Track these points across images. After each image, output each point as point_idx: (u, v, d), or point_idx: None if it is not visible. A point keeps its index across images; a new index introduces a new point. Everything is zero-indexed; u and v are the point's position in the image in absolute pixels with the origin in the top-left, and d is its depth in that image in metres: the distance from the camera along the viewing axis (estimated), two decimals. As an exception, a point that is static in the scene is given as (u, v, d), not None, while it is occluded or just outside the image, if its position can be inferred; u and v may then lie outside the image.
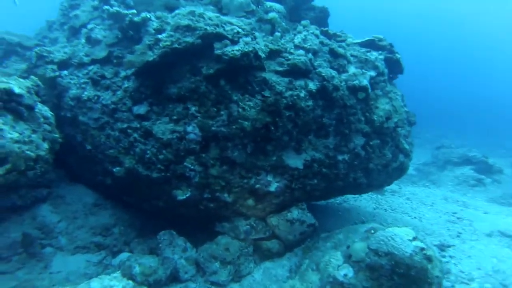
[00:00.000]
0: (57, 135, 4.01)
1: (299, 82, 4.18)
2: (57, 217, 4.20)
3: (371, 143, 4.77)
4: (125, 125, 4.26)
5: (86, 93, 4.27)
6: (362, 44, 5.21)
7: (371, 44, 5.18)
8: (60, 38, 5.13)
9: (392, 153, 4.99)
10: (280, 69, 4.17)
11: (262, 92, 4.04)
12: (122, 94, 4.26)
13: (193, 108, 4.06)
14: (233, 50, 3.78)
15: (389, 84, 5.14)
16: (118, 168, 4.35)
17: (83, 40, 4.62)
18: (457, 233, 6.15)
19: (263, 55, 4.02)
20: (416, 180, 10.49)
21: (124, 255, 4.38)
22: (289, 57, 4.23)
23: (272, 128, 4.13)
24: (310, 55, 4.30)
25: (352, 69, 4.70)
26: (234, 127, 4.00)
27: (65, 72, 4.46)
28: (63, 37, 5.11)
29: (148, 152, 4.19)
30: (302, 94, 4.13)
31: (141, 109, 4.21)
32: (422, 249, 3.02)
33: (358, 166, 4.80)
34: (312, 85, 4.22)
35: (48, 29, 5.68)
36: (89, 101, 4.27)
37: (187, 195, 4.31)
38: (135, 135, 4.24)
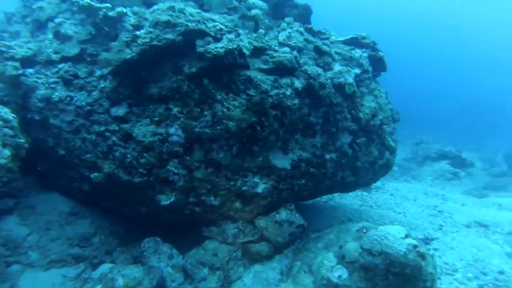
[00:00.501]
0: (22, 140, 3.68)
1: (285, 80, 4.09)
2: (26, 229, 3.87)
3: (357, 141, 4.76)
4: (102, 128, 4.00)
5: (56, 93, 3.96)
6: (345, 42, 5.20)
7: (354, 42, 5.18)
8: (23, 32, 4.73)
9: (379, 151, 5.01)
10: (265, 67, 4.06)
11: (247, 91, 3.91)
12: (98, 94, 3.99)
13: (176, 109, 3.87)
14: (216, 48, 3.62)
15: (373, 82, 5.15)
16: (96, 174, 4.08)
17: (50, 36, 4.28)
18: (439, 225, 6.31)
19: (247, 53, 3.89)
20: (398, 176, 10.74)
21: (105, 267, 4.12)
22: (274, 54, 4.12)
23: (258, 128, 4.01)
24: (295, 53, 4.22)
25: (337, 67, 4.66)
26: (218, 127, 3.84)
27: (30, 70, 4.09)
28: (26, 31, 4.71)
29: (129, 156, 3.96)
30: (288, 93, 4.04)
31: (119, 111, 3.97)
32: (415, 246, 3.01)
33: (345, 164, 4.77)
34: (298, 83, 4.13)
35: (6, 22, 5.20)
36: (60, 103, 3.96)
37: (171, 200, 4.11)
38: (114, 138, 3.99)
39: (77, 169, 4.25)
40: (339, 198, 8.28)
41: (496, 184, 9.37)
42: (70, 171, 4.37)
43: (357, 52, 4.89)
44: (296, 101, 4.12)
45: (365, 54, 4.93)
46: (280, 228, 4.68)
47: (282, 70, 4.09)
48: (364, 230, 3.46)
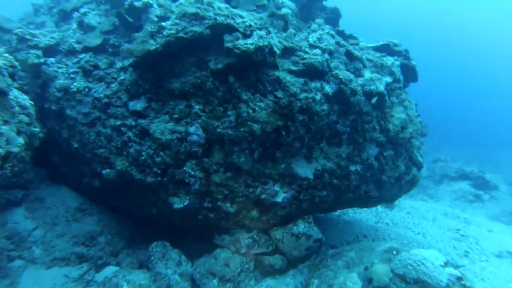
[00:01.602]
0: (37, 129, 3.50)
1: (315, 84, 3.83)
2: (33, 223, 3.66)
3: (384, 153, 4.45)
4: (118, 122, 3.80)
5: (75, 84, 3.79)
6: (376, 49, 4.93)
7: (385, 49, 4.91)
8: (48, 22, 4.63)
9: (405, 166, 4.68)
10: (295, 68, 3.81)
11: (275, 93, 3.66)
12: (117, 87, 3.80)
13: (197, 107, 3.64)
14: (246, 44, 3.40)
15: (404, 92, 4.86)
16: (108, 170, 3.87)
17: (74, 26, 4.14)
18: (465, 252, 5.88)
19: (278, 52, 3.65)
20: (414, 193, 10.26)
21: (110, 270, 3.86)
22: (305, 56, 3.88)
23: (284, 133, 3.75)
24: (326, 55, 3.97)
25: (367, 74, 4.39)
26: (242, 129, 3.60)
27: (52, 59, 3.95)
28: (51, 22, 4.60)
29: (144, 153, 3.73)
30: (317, 97, 3.78)
31: (138, 105, 3.76)
32: (459, 278, 2.67)
33: (370, 178, 4.46)
34: (328, 88, 3.87)
35: (34, 14, 5.14)
36: (78, 93, 3.78)
37: (185, 203, 3.85)
38: (130, 133, 3.78)
39: (89, 163, 4.04)
40: (353, 213, 7.91)
41: (524, 210, 8.84)
42: (82, 165, 4.17)
43: (389, 60, 4.61)
44: (325, 106, 3.86)
45: (397, 62, 4.66)
46: (297, 241, 4.37)
47: (312, 73, 3.83)
48: (395, 252, 3.14)
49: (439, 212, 8.34)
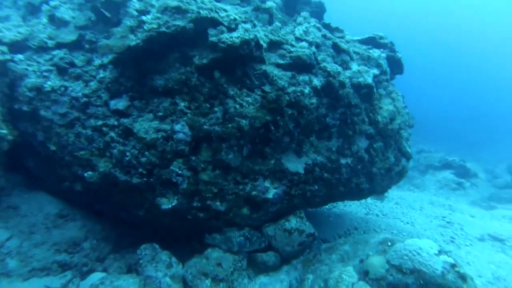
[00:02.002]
0: (5, 131, 3.27)
1: (303, 77, 3.76)
2: (6, 233, 3.43)
3: (374, 145, 4.46)
4: (99, 122, 3.61)
5: (49, 82, 3.56)
6: (362, 41, 4.92)
7: (371, 42, 4.90)
8: (13, 16, 4.31)
9: (395, 157, 4.71)
10: (282, 62, 3.73)
11: (262, 87, 3.57)
12: (97, 85, 3.60)
13: (182, 104, 3.51)
14: (231, 37, 3.28)
15: (390, 84, 4.87)
16: (90, 173, 3.68)
17: (44, 20, 3.88)
18: (451, 238, 6.03)
19: (264, 45, 3.55)
20: (401, 184, 10.47)
21: (96, 276, 3.69)
22: (291, 49, 3.80)
23: (272, 128, 3.67)
24: (313, 48, 3.90)
25: (355, 66, 4.36)
26: (230, 125, 3.49)
27: (20, 56, 3.68)
28: (17, 15, 4.30)
29: (128, 154, 3.57)
30: (306, 91, 3.71)
31: (119, 104, 3.59)
32: (453, 265, 2.68)
33: (361, 170, 4.46)
34: (316, 81, 3.81)
35: (-2, 8, 4.79)
36: (53, 93, 3.56)
37: (173, 204, 3.72)
38: (112, 134, 3.60)
39: (70, 167, 3.83)
40: (343, 206, 7.98)
41: (501, 196, 9.18)
42: (61, 169, 3.95)
43: (376, 52, 4.60)
44: (314, 100, 3.80)
45: (384, 55, 4.65)
46: (290, 237, 4.33)
47: (300, 66, 3.76)
48: (389, 243, 3.13)
49: (425, 201, 8.54)
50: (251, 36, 3.34)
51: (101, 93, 3.59)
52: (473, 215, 7.45)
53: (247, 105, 3.49)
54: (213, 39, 3.34)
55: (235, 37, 3.28)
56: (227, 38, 3.29)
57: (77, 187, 3.97)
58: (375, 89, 4.28)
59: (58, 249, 3.69)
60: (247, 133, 3.58)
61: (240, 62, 3.51)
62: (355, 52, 4.52)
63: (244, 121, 3.48)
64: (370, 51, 4.61)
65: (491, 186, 10.79)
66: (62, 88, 3.56)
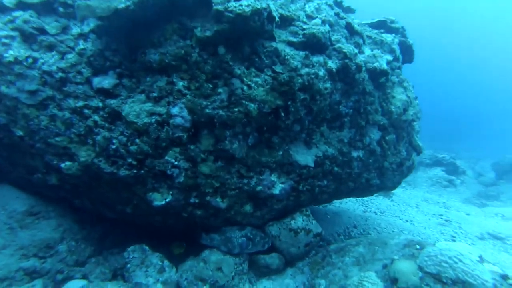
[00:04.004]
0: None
1: (317, 58, 3.35)
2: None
3: (387, 138, 4.12)
4: (80, 103, 3.04)
5: (11, 52, 2.92)
6: (371, 25, 4.57)
7: (382, 26, 4.56)
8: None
9: (406, 150, 4.40)
10: (294, 40, 3.29)
11: (273, 67, 3.13)
12: (76, 58, 3.02)
13: (181, 83, 3.00)
14: (241, 6, 2.80)
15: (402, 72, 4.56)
16: (68, 163, 3.11)
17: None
18: (451, 236, 5.86)
19: (277, 18, 3.10)
20: (392, 180, 10.38)
21: (74, 284, 3.13)
22: (304, 26, 3.37)
23: (283, 114, 3.24)
24: (327, 27, 3.49)
25: (367, 51, 4.00)
26: (236, 109, 3.02)
27: (-29, 17, 3.01)
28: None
29: (115, 141, 3.03)
30: (321, 73, 3.30)
31: (105, 82, 3.03)
32: (504, 276, 2.35)
33: (372, 164, 4.12)
34: (331, 63, 3.41)
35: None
36: (17, 64, 2.93)
37: (167, 200, 3.22)
38: (96, 117, 3.04)
39: (42, 156, 3.23)
40: (339, 203, 7.70)
41: (489, 193, 9.25)
42: (31, 158, 3.33)
43: (389, 37, 4.26)
44: (328, 84, 3.39)
45: (397, 40, 4.32)
46: (295, 237, 3.93)
47: (314, 45, 3.34)
48: (418, 246, 2.79)
49: (420, 199, 8.42)
50: (263, 6, 2.87)
51: (81, 68, 3.02)
52: (468, 212, 7.38)
53: (256, 87, 3.04)
54: (219, 7, 2.85)
55: (245, 5, 2.80)
56: (235, 7, 2.81)
57: (51, 180, 3.38)
58: (390, 76, 3.94)
59: (25, 254, 3.09)
60: (254, 119, 3.13)
61: (248, 36, 3.04)
62: (367, 36, 4.16)
63: (252, 105, 3.03)
64: (383, 35, 4.26)
65: (478, 184, 10.90)
66: (30, 60, 2.95)
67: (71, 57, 3.01)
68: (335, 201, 7.80)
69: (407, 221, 6.57)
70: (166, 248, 3.98)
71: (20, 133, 3.12)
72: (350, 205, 7.53)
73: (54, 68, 2.97)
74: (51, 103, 3.05)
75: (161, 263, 3.52)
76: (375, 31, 4.42)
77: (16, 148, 3.26)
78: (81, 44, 3.04)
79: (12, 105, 3.04)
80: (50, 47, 3.00)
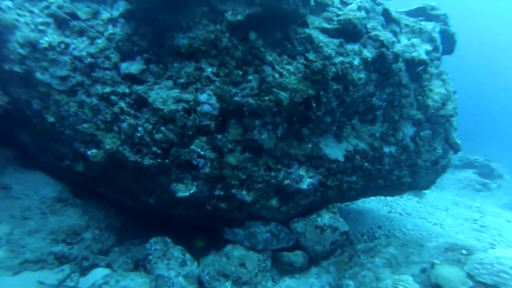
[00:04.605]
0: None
1: (352, 47, 3.15)
2: (-6, 218, 2.85)
3: (421, 133, 3.86)
4: (107, 89, 3.00)
5: (46, 38, 2.92)
6: (409, 13, 4.28)
7: (421, 13, 4.27)
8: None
9: (442, 148, 4.11)
10: (328, 26, 3.10)
11: (306, 54, 2.96)
12: (105, 43, 2.98)
13: (209, 69, 2.89)
14: (274, -13, 2.65)
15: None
16: (94, 151, 3.09)
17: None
18: (490, 244, 5.46)
19: (312, 2, 2.93)
20: (418, 182, 9.92)
21: (98, 273, 3.12)
22: (339, 12, 3.17)
23: (314, 104, 3.06)
24: (363, 13, 3.28)
25: (404, 40, 3.74)
26: (267, 98, 2.88)
27: (8, 2, 3.01)
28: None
29: (140, 128, 2.97)
30: (355, 62, 3.10)
31: (132, 67, 2.97)
32: None
33: (405, 161, 3.87)
34: (367, 52, 3.20)
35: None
36: (51, 50, 2.93)
37: (191, 191, 3.14)
38: (122, 104, 3.00)
39: (70, 143, 3.23)
40: (361, 202, 7.41)
41: (530, 200, 8.62)
42: (61, 145, 3.35)
43: (429, 25, 3.97)
44: (362, 75, 3.19)
45: (437, 28, 4.02)
46: (322, 234, 3.75)
47: (348, 33, 3.14)
48: (464, 251, 2.55)
49: (449, 201, 7.97)
50: (299, -13, 2.71)
51: (110, 53, 2.98)
52: (509, 219, 6.88)
53: (288, 75, 2.88)
54: (251, -10, 2.71)
55: (279, -13, 2.65)
56: (269, -11, 2.66)
57: (78, 167, 3.38)
58: (428, 67, 3.67)
59: (55, 239, 3.11)
60: (285, 109, 2.98)
61: (281, 21, 2.89)
62: (404, 24, 3.89)
63: (283, 93, 2.87)
64: (422, 23, 3.98)
65: (517, 189, 10.21)
66: (62, 45, 2.94)
67: (101, 42, 2.98)
68: (358, 200, 7.55)
69: (435, 224, 6.22)
70: (186, 241, 3.91)
71: (51, 119, 3.14)
72: (373, 204, 7.23)
73: (84, 53, 2.94)
74: (80, 89, 3.03)
75: (182, 257, 3.45)
76: (413, 19, 4.13)
77: (47, 134, 3.28)
78: (110, 29, 3.00)
79: (45, 91, 3.05)
80: (81, 33, 2.97)
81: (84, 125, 3.09)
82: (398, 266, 2.94)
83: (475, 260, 2.35)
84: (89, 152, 3.12)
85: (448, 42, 4.22)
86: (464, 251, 2.56)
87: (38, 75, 3.04)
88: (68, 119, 3.12)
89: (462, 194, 9.03)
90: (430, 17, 4.17)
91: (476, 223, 6.35)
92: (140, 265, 3.57)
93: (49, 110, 3.18)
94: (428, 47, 3.81)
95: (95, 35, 2.99)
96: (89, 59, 2.96)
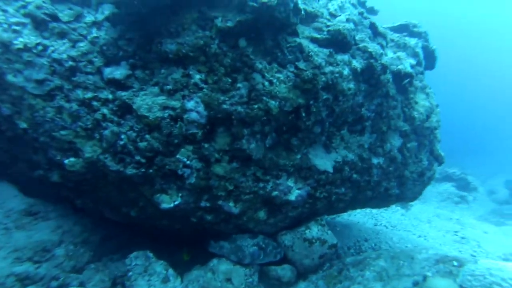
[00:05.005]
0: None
1: (341, 57, 3.17)
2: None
3: (408, 145, 3.90)
4: (89, 95, 2.84)
5: (21, 39, 2.75)
6: (393, 29, 4.41)
7: (404, 30, 4.41)
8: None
9: (428, 160, 4.17)
10: (318, 36, 3.12)
11: (296, 63, 2.94)
12: (88, 47, 2.85)
13: (198, 76, 2.81)
14: (266, -5, 2.64)
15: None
16: (72, 159, 2.89)
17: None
18: (471, 256, 5.53)
19: (303, 11, 2.94)
20: (401, 194, 10.09)
21: (70, 293, 2.86)
22: (329, 23, 3.20)
23: (304, 114, 3.03)
24: (352, 25, 3.33)
25: (390, 54, 3.83)
26: (256, 106, 2.82)
27: (-19, 2, 2.84)
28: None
29: (123, 136, 2.82)
30: (345, 72, 3.11)
31: (117, 72, 2.84)
32: None
33: (392, 173, 3.88)
34: (356, 63, 3.22)
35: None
36: (27, 52, 2.76)
37: (175, 203, 2.98)
38: (105, 110, 2.84)
39: (45, 150, 3.02)
40: (347, 216, 7.40)
41: (504, 212, 8.91)
42: (34, 153, 3.12)
43: (412, 40, 4.10)
44: (351, 85, 3.20)
45: (420, 44, 4.16)
46: (310, 247, 3.66)
47: (338, 43, 3.17)
48: (455, 263, 2.52)
49: (431, 214, 8.11)
50: (290, -4, 2.71)
51: (93, 58, 2.84)
52: (486, 231, 7.06)
53: (278, 83, 2.84)
54: (242, -3, 2.68)
55: (270, -5, 2.63)
56: (260, -3, 2.65)
57: (53, 177, 3.15)
58: (414, 80, 3.76)
59: (19, 257, 2.83)
60: (274, 118, 2.92)
61: (271, 30, 2.87)
62: (390, 39, 3.99)
63: (273, 102, 2.82)
64: (406, 38, 4.10)
65: (490, 201, 10.58)
66: (40, 47, 2.77)
67: (83, 45, 2.84)
68: (344, 213, 7.53)
69: (420, 236, 6.27)
70: (170, 255, 3.70)
71: (24, 125, 2.92)
72: (359, 217, 7.23)
73: (64, 56, 2.78)
74: (58, 93, 2.85)
75: (165, 272, 3.25)
76: (397, 34, 4.26)
77: (18, 141, 3.05)
78: (94, 32, 2.87)
79: (18, 95, 2.85)
80: (62, 35, 2.83)
81: (62, 132, 2.90)
82: (390, 280, 2.88)
83: (467, 271, 2.33)
84: (66, 161, 2.92)
85: (429, 58, 4.36)
86: (455, 263, 2.54)
87: (10, 77, 2.83)
88: (44, 126, 2.92)
89: (443, 207, 9.23)
90: (412, 34, 4.31)
91: (457, 235, 6.46)
92: (118, 283, 3.32)
93: (21, 116, 2.96)
94: (412, 61, 3.92)
95: (77, 38, 2.85)
96: (70, 63, 2.80)
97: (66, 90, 2.86)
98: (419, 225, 6.99)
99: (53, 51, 2.80)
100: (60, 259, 3.17)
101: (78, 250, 3.38)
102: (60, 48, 2.81)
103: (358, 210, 7.82)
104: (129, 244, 3.87)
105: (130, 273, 3.12)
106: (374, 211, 7.88)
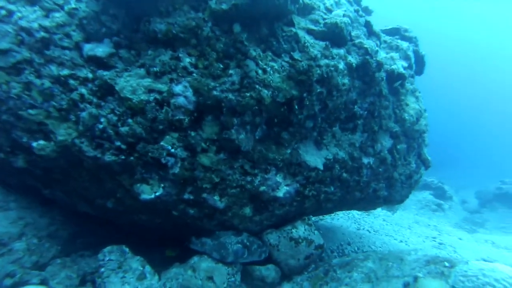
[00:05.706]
0: None
1: (337, 51, 3.09)
2: None
3: (398, 146, 3.88)
4: (65, 72, 2.59)
5: (-16, -1, 2.48)
6: (385, 32, 4.42)
7: (395, 33, 4.43)
8: None
9: (415, 163, 4.17)
10: (315, 28, 3.03)
11: (292, 53, 2.82)
12: (65, 18, 2.60)
13: (188, 59, 2.63)
14: (264, -22, 2.52)
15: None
16: (42, 142, 2.61)
17: None
18: (450, 260, 5.61)
19: (300, 1, 2.84)
20: (382, 200, 10.23)
21: (30, 291, 2.55)
22: (325, 16, 3.12)
23: (296, 107, 2.91)
24: (348, 20, 3.27)
25: (383, 54, 3.81)
26: (248, 94, 2.67)
27: None
28: None
29: (103, 120, 2.58)
30: (341, 66, 3.03)
31: (99, 49, 2.61)
32: None
33: (382, 174, 3.84)
34: (352, 58, 3.16)
35: None
36: (-8, 17, 2.48)
37: (157, 194, 2.76)
38: (83, 90, 2.59)
39: (8, 131, 2.71)
40: (330, 219, 7.37)
41: (475, 220, 9.24)
42: (-2, 134, 2.81)
43: (404, 43, 4.11)
44: (346, 80, 3.12)
45: (411, 47, 4.18)
46: (296, 247, 3.52)
47: (334, 36, 3.09)
48: (447, 264, 2.46)
49: (411, 220, 8.24)
50: (289, -18, 2.60)
51: (70, 31, 2.59)
52: (460, 237, 7.25)
53: (271, 72, 2.71)
54: (239, -21, 2.54)
55: (269, -21, 2.52)
56: (258, -21, 2.52)
57: (17, 162, 2.83)
58: (406, 81, 3.75)
59: (-28, 251, 2.51)
60: (266, 109, 2.78)
61: (267, 17, 2.75)
62: (383, 40, 3.98)
63: (266, 91, 2.69)
64: (398, 41, 4.11)
65: (462, 210, 10.94)
66: (3, 11, 2.49)
67: (59, 16, 2.59)
68: (327, 216, 7.49)
69: (401, 241, 6.31)
70: (148, 253, 3.45)
71: (-16, 100, 2.61)
72: (342, 221, 7.21)
73: (35, 25, 2.52)
74: (27, 67, 2.57)
75: (141, 269, 3.00)
76: (389, 36, 4.27)
77: (-22, 118, 2.72)
78: (73, 3, 2.62)
79: (-23, 65, 2.54)
80: (32, 1, 2.56)
81: (31, 111, 2.61)
82: (378, 281, 2.78)
83: (459, 272, 2.27)
84: (34, 144, 2.63)
85: (418, 63, 4.40)
86: (446, 264, 2.48)
87: (-29, 46, 2.53)
88: (7, 103, 2.61)
89: (422, 214, 9.43)
90: (403, 38, 4.34)
91: (435, 241, 6.57)
92: (88, 280, 3.03)
93: (-17, 90, 2.65)
94: (404, 63, 3.92)
95: (52, 7, 2.59)
96: (42, 33, 2.54)
97: (37, 64, 2.59)
98: (400, 230, 7.06)
99: (20, 18, 2.52)
100: (18, 254, 2.85)
101: (43, 245, 3.06)
102: (30, 16, 2.54)
103: (341, 214, 7.83)
104: (103, 242, 3.58)
105: (102, 269, 2.84)
106: (357, 215, 7.90)
